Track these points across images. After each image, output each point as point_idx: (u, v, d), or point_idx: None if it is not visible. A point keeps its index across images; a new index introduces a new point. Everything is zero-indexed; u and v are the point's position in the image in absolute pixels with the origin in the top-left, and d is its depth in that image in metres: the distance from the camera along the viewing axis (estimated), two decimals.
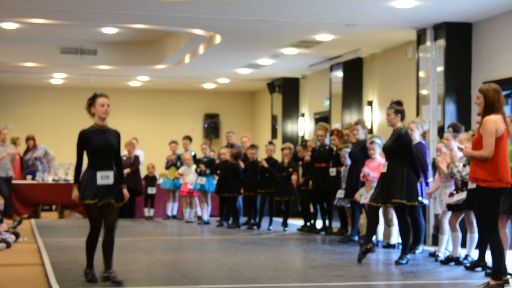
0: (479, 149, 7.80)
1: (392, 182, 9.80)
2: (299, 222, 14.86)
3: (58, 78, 20.75)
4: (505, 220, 8.74)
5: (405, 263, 9.75)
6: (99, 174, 8.10)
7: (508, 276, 7.98)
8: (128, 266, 9.61)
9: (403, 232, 9.90)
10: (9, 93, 22.11)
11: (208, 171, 16.07)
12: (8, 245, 11.79)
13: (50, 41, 17.36)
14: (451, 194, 9.86)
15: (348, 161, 12.59)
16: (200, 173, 16.16)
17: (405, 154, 9.84)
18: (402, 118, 9.98)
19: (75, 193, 8.14)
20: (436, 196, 10.43)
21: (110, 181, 8.11)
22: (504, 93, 8.54)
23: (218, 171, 15.82)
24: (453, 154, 9.86)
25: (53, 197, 18.06)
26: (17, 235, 12.68)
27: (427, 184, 11.04)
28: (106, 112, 8.51)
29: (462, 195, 9.56)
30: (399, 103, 10.01)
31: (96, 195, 8.05)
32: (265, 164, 14.77)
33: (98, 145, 8.26)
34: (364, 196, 11.84)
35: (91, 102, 8.65)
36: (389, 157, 9.95)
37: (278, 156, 15.94)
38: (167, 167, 17.53)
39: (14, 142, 17.25)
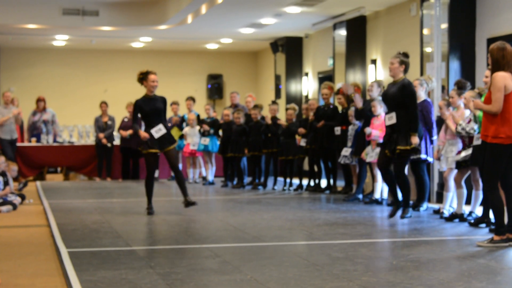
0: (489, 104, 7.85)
1: (399, 132, 9.64)
2: (304, 182, 14.89)
3: (60, 40, 20.67)
4: None
5: (410, 217, 9.79)
6: (153, 130, 10.70)
7: None
8: (133, 227, 9.67)
9: (402, 187, 9.78)
10: (12, 55, 22.05)
11: (212, 131, 16.08)
12: (14, 207, 11.86)
13: (51, 2, 17.24)
14: (459, 152, 9.85)
15: (355, 120, 12.59)
16: (203, 134, 16.17)
17: (408, 104, 9.67)
18: (406, 71, 9.77)
19: (144, 134, 10.65)
20: (441, 153, 10.41)
21: (163, 131, 10.77)
22: None
23: (220, 132, 15.83)
24: (460, 113, 9.82)
25: (58, 159, 18.10)
26: (22, 197, 12.75)
27: (431, 142, 11.03)
28: (155, 86, 10.81)
29: (469, 152, 9.55)
30: (405, 54, 9.84)
31: (152, 147, 10.69)
32: (268, 121, 14.80)
33: (150, 110, 10.74)
34: (370, 155, 11.86)
35: (143, 77, 10.78)
36: (395, 107, 9.68)
37: (281, 115, 15.91)
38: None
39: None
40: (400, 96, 9.60)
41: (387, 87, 9.95)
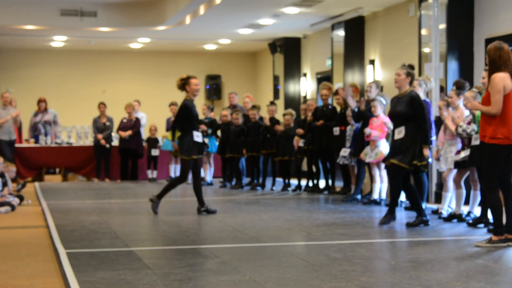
0: (488, 106, 7.82)
1: (411, 146, 9.49)
2: (302, 182, 14.90)
3: (58, 41, 20.66)
4: None
5: (387, 223, 9.59)
6: (195, 133, 10.85)
7: None
8: (131, 227, 9.67)
9: (409, 194, 9.70)
10: (10, 56, 22.04)
11: (210, 131, 16.08)
12: (13, 208, 11.85)
13: (49, 3, 17.23)
14: (458, 152, 9.85)
15: (353, 120, 12.63)
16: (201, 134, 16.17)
17: (418, 118, 9.52)
18: (411, 83, 9.68)
19: (176, 147, 10.96)
20: (441, 153, 10.40)
21: (200, 139, 10.96)
22: None
23: (219, 132, 15.82)
24: (459, 113, 9.81)
25: (56, 160, 18.10)
26: (21, 198, 12.74)
27: (430, 142, 11.02)
28: (199, 90, 10.94)
29: (468, 152, 9.54)
30: (411, 66, 9.75)
31: (194, 152, 10.82)
32: (267, 122, 14.75)
33: (196, 114, 10.90)
34: (369, 155, 11.87)
35: (185, 82, 10.86)
36: (404, 121, 9.51)
37: (280, 116, 15.92)
38: (168, 129, 17.53)
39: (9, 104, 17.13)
40: (411, 110, 9.43)
41: (393, 102, 9.72)
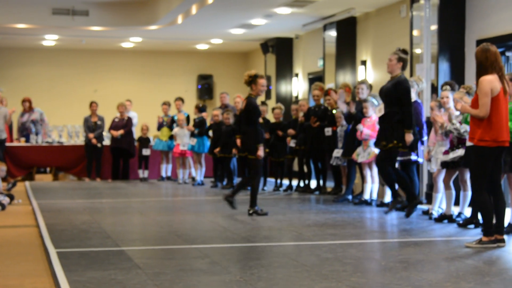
0: (476, 109, 7.84)
1: (386, 128, 9.64)
2: (293, 183, 14.91)
3: (50, 40, 20.62)
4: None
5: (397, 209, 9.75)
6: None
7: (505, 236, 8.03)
8: (123, 227, 9.66)
9: (387, 183, 9.82)
10: (1, 55, 21.99)
11: (196, 131, 16.08)
12: (3, 207, 11.82)
13: (41, 2, 17.19)
14: (446, 152, 9.86)
15: (344, 121, 12.62)
16: (192, 134, 16.20)
17: (401, 100, 9.61)
18: (403, 68, 9.74)
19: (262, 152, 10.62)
20: (431, 154, 10.42)
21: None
22: (498, 50, 8.46)
23: (211, 132, 15.81)
24: (451, 113, 9.83)
25: (47, 159, 18.05)
26: (11, 197, 12.70)
27: (422, 142, 11.05)
28: (264, 90, 10.86)
29: (458, 153, 9.56)
30: (404, 51, 9.81)
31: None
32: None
33: (261, 112, 11.33)
34: (361, 155, 11.87)
35: (252, 80, 10.70)
36: (386, 102, 9.72)
37: (270, 116, 15.91)
38: (158, 128, 17.52)
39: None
40: (394, 92, 9.56)
41: (386, 83, 9.97)
